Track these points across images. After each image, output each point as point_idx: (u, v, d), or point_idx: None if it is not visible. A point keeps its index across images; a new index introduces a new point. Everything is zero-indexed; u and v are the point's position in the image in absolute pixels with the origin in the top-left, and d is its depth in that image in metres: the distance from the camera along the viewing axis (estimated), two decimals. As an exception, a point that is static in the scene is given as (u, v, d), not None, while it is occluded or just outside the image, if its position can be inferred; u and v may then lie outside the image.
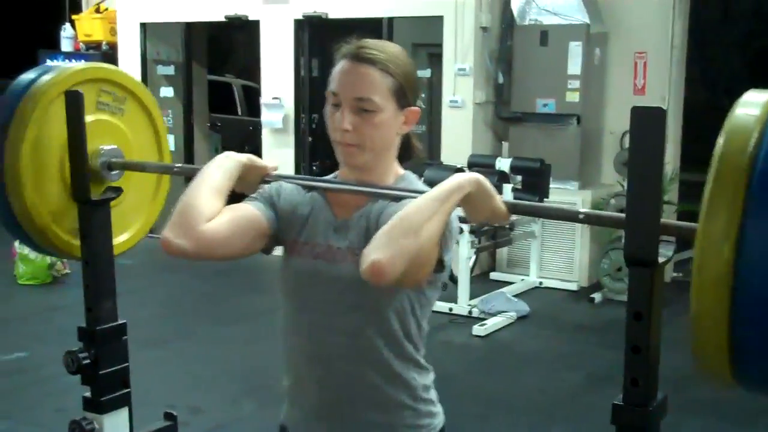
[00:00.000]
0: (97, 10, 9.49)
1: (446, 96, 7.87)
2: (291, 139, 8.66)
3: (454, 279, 7.14)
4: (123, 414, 2.40)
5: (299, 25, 8.51)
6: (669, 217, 7.09)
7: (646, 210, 1.68)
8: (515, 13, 7.74)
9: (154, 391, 4.78)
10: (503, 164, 7.03)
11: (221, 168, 1.75)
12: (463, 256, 6.63)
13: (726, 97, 16.09)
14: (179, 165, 2.16)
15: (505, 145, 7.86)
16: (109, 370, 2.37)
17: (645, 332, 1.73)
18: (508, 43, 7.83)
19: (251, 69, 10.73)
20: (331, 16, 8.32)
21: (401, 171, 1.83)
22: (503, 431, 4.60)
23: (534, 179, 7.03)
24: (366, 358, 1.73)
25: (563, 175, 7.59)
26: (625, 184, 7.50)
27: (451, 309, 6.63)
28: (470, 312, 6.57)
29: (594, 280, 7.54)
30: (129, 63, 9.28)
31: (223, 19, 8.78)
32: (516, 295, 6.99)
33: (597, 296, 7.18)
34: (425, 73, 8.63)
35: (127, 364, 2.46)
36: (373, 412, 1.76)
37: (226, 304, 6.99)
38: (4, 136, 1.92)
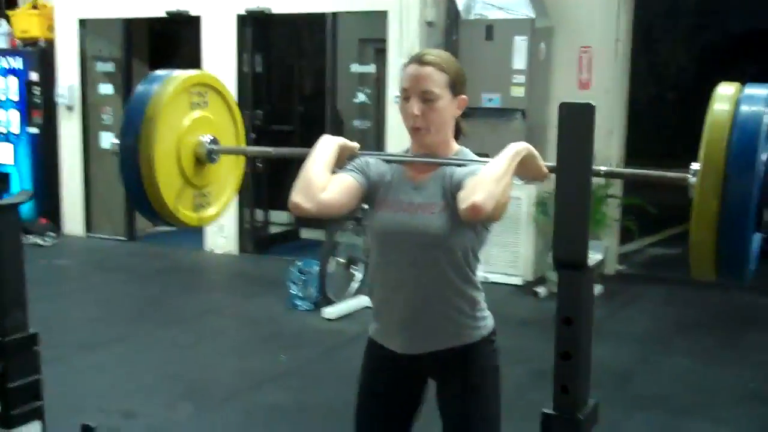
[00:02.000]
0: (34, 6, 9.20)
1: (391, 91, 7.79)
2: (234, 135, 8.49)
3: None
4: (35, 428, 2.27)
5: (242, 20, 8.34)
6: (613, 210, 7.04)
7: (574, 211, 1.61)
8: (460, 7, 7.66)
9: (88, 395, 4.64)
10: (448, 159, 6.95)
11: (328, 148, 2.32)
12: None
13: (672, 91, 16.23)
14: (275, 148, 2.76)
15: (452, 140, 7.78)
16: (20, 382, 2.25)
17: (575, 337, 1.66)
18: (453, 38, 7.74)
19: (196, 65, 10.52)
20: (275, 11, 8.18)
21: (456, 147, 2.41)
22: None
23: (479, 174, 6.96)
24: (439, 282, 2.32)
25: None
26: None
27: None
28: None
29: (539, 274, 7.51)
30: (67, 60, 9.04)
31: (164, 15, 8.59)
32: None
33: (541, 290, 7.14)
34: (370, 69, 8.53)
35: (39, 376, 2.34)
36: (443, 320, 2.37)
37: (165, 306, 6.82)
38: (136, 151, 2.38)
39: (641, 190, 7.95)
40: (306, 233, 9.42)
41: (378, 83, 8.54)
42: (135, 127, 2.41)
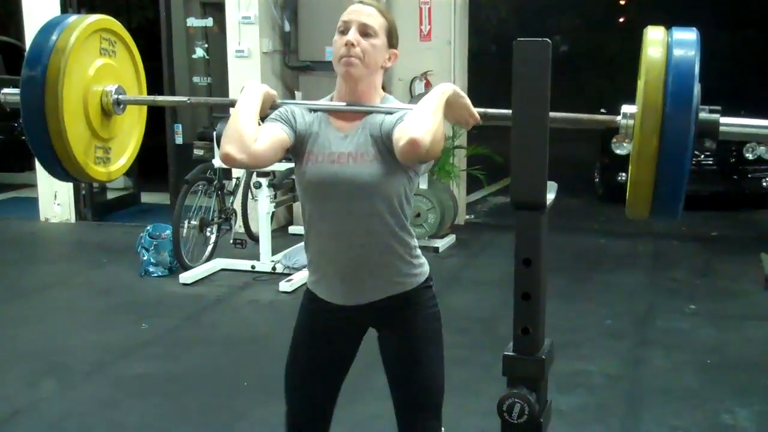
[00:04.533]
0: None
1: (231, 46, 7.55)
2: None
3: (254, 237, 6.92)
4: None
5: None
6: (460, 160, 7.16)
7: (532, 152, 1.57)
8: (299, -40, 7.51)
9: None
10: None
11: (255, 96, 2.26)
12: (261, 211, 6.40)
13: (493, 43, 16.69)
14: (190, 97, 2.62)
15: (298, 94, 7.66)
16: None
17: (535, 278, 1.63)
18: (294, -9, 7.60)
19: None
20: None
21: (382, 93, 2.38)
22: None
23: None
24: (376, 229, 2.31)
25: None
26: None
27: (253, 267, 6.41)
28: (274, 268, 6.38)
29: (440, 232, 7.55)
30: None
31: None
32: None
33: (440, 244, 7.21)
34: (207, 23, 8.22)
35: None
36: (383, 268, 2.36)
37: (4, 281, 6.36)
38: (43, 86, 2.19)
39: (487, 140, 8.15)
40: (147, 197, 9.06)
41: (215, 37, 8.26)
42: (43, 58, 2.22)
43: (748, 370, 4.53)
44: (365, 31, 2.27)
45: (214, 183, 6.63)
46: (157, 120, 8.37)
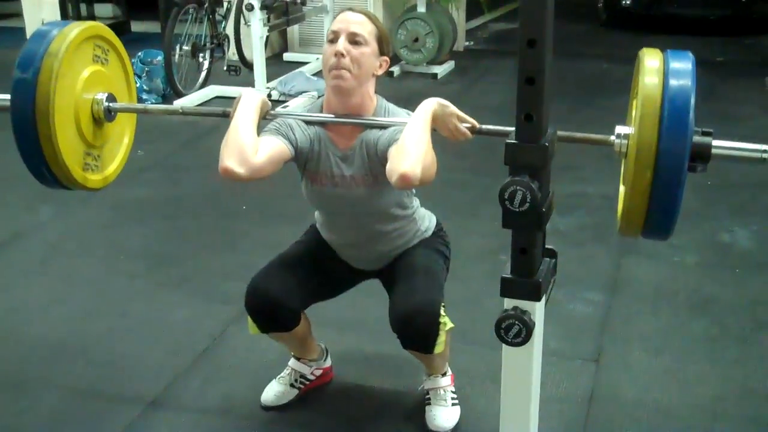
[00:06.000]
0: None
1: None
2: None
3: (248, 63, 6.76)
4: None
5: None
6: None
7: None
8: None
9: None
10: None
11: (252, 107, 2.19)
12: (255, 35, 6.22)
13: None
14: (182, 105, 2.58)
15: None
16: None
17: (540, 61, 1.55)
18: None
19: None
20: None
21: (375, 101, 2.33)
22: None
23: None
24: (381, 226, 2.43)
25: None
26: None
27: (249, 94, 6.29)
28: (269, 95, 6.26)
29: (390, 53, 7.38)
30: None
31: None
32: (314, 74, 6.73)
33: (395, 69, 7.06)
34: None
35: None
36: (390, 246, 2.48)
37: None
38: (35, 87, 2.14)
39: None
40: (137, 26, 8.82)
41: None
42: (36, 62, 2.17)
43: (747, 191, 4.53)
44: (355, 40, 2.22)
45: (205, 7, 6.42)
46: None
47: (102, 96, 2.35)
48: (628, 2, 8.89)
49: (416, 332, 2.29)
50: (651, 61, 1.72)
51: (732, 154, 1.80)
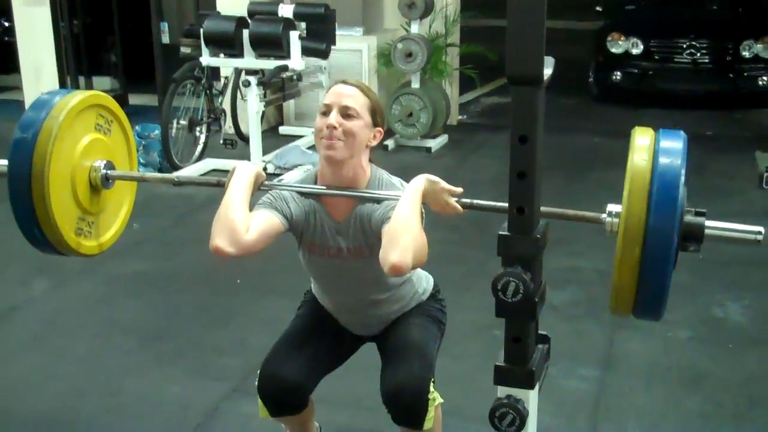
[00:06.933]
0: None
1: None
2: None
3: (244, 137, 6.84)
4: None
5: None
6: (453, 59, 7.04)
7: (528, 22, 1.49)
8: None
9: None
10: (286, 11, 6.66)
11: (246, 179, 2.21)
12: (252, 110, 6.30)
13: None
14: (178, 175, 2.70)
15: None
16: None
17: (531, 156, 1.58)
18: None
19: None
20: None
21: (369, 172, 2.33)
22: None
23: (319, 26, 6.74)
24: (378, 296, 2.44)
25: (347, 20, 7.38)
26: (410, 28, 7.29)
27: (244, 167, 6.34)
28: (265, 168, 6.25)
29: (385, 127, 7.47)
30: None
31: None
32: (309, 148, 6.80)
33: (390, 143, 7.14)
34: None
35: None
36: (386, 313, 2.49)
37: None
38: (33, 148, 2.19)
39: (480, 39, 8.01)
40: (134, 99, 8.92)
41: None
42: (37, 124, 2.23)
43: (740, 266, 4.54)
44: (347, 113, 2.24)
45: (203, 82, 6.51)
46: (143, 19, 8.21)
47: (100, 163, 2.38)
48: (618, 77, 9.04)
49: (405, 407, 2.28)
50: (642, 138, 1.75)
51: (726, 235, 1.80)
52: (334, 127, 2.22)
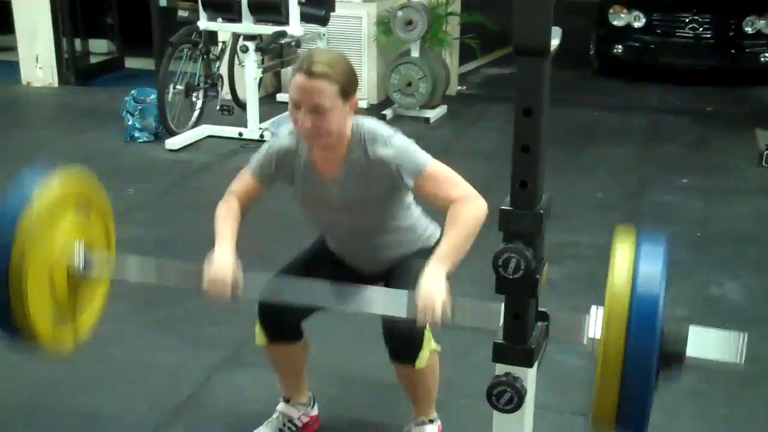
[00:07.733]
0: None
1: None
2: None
3: (241, 103, 6.77)
4: None
5: None
6: (453, 28, 6.95)
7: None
8: None
9: None
10: (286, -23, 6.57)
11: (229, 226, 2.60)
12: (249, 76, 6.24)
13: None
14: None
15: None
16: None
17: (535, 129, 1.54)
18: None
19: None
20: None
21: (350, 130, 2.33)
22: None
23: (319, -8, 6.67)
24: (378, 237, 2.49)
25: (347, -13, 7.32)
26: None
27: (240, 134, 6.30)
28: (261, 136, 6.26)
29: (384, 96, 7.42)
30: None
31: None
32: (307, 116, 6.73)
33: (388, 112, 7.08)
34: None
35: None
36: (389, 254, 2.52)
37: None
38: (8, 253, 2.07)
39: (481, 8, 7.93)
40: (131, 62, 8.83)
41: None
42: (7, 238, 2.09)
43: (737, 244, 4.52)
44: (318, 111, 2.21)
45: (200, 46, 6.43)
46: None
47: (79, 249, 2.28)
48: (619, 51, 8.97)
49: (399, 340, 2.33)
50: (621, 258, 1.67)
51: (707, 364, 1.76)
52: (309, 128, 2.23)
